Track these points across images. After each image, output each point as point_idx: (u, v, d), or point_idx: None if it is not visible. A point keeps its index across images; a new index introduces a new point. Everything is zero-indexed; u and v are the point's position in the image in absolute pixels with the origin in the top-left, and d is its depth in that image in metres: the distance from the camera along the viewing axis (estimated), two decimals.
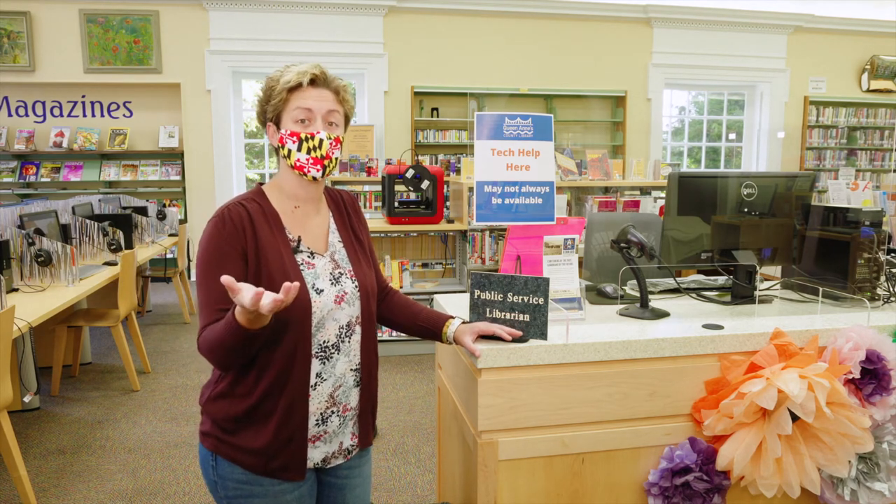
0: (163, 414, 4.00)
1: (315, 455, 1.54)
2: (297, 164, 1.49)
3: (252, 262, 1.44)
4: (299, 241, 1.52)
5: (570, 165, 5.33)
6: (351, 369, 1.55)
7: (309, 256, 1.52)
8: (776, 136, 9.62)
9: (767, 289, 2.45)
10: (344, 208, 1.67)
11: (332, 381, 1.52)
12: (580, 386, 1.80)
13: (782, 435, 1.76)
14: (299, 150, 1.48)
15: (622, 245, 2.11)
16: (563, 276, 1.99)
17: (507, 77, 8.72)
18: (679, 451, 1.82)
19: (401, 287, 5.04)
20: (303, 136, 1.48)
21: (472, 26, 8.57)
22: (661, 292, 2.43)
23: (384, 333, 5.07)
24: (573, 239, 2.00)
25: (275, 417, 1.45)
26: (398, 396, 4.26)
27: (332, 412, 1.53)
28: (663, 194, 5.49)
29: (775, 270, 2.72)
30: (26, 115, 8.08)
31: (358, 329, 1.57)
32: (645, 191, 5.46)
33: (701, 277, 2.77)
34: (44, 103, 8.09)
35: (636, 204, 5.22)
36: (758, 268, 2.28)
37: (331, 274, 1.53)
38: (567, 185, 5.21)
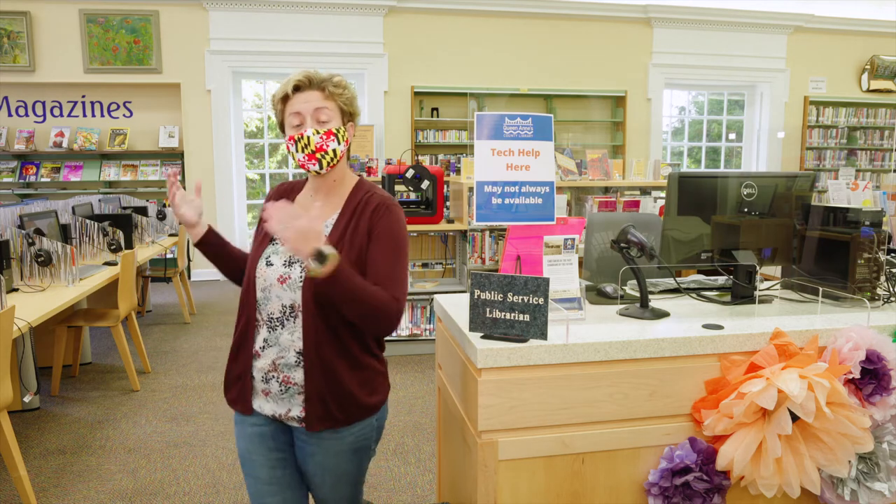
0: (163, 414, 4.00)
1: (265, 407, 1.74)
2: (300, 162, 1.68)
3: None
4: None
5: (570, 165, 5.33)
6: (294, 350, 1.66)
7: None
8: (776, 136, 9.62)
9: (767, 289, 2.45)
10: (362, 212, 1.68)
11: (276, 350, 1.68)
12: (580, 386, 1.80)
13: (782, 435, 1.76)
14: (297, 151, 1.67)
15: (622, 245, 2.11)
16: (563, 276, 1.99)
17: (507, 77, 8.72)
18: (679, 451, 1.82)
19: None
20: (296, 137, 1.66)
21: (473, 26, 8.57)
22: (661, 292, 2.43)
23: None
24: (573, 239, 2.00)
25: (231, 357, 1.78)
26: (398, 396, 4.26)
27: (273, 377, 1.69)
28: (663, 194, 5.49)
29: (775, 270, 2.73)
30: (26, 115, 8.08)
31: (300, 316, 1.64)
32: (645, 191, 5.46)
33: (701, 277, 2.77)
34: (44, 103, 8.09)
35: (636, 204, 5.22)
36: (758, 268, 2.29)
37: (290, 257, 1.68)
38: (567, 185, 5.21)
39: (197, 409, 4.08)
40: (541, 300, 1.72)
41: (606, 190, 5.55)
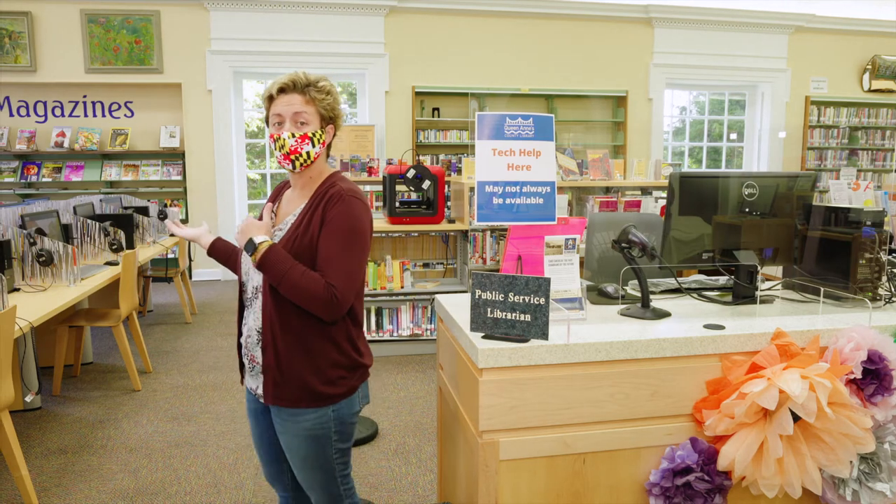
0: (164, 414, 4.00)
1: (250, 383, 1.92)
2: (278, 160, 1.82)
3: None
4: (274, 213, 1.92)
5: (571, 165, 5.32)
6: (256, 329, 1.83)
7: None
8: (777, 136, 9.62)
9: (769, 289, 2.45)
10: (319, 203, 1.79)
11: (246, 329, 1.88)
12: (581, 386, 1.80)
13: (784, 435, 1.76)
14: (275, 149, 1.80)
15: (623, 245, 2.11)
16: (565, 276, 1.99)
17: (508, 77, 8.72)
18: (680, 452, 1.82)
19: (402, 287, 5.04)
20: (275, 137, 1.79)
21: (473, 26, 8.57)
22: (662, 292, 2.43)
23: (384, 333, 5.08)
24: (574, 239, 2.00)
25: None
26: (399, 397, 4.26)
27: (246, 354, 1.89)
28: (664, 194, 5.49)
29: (776, 270, 2.73)
30: (28, 115, 8.09)
31: (260, 297, 1.82)
32: (646, 191, 5.46)
33: (702, 277, 2.76)
34: (45, 103, 8.10)
35: (637, 204, 5.22)
36: (759, 268, 2.28)
37: None
38: (568, 185, 5.21)
39: (198, 408, 4.08)
40: (542, 300, 1.71)
41: (607, 190, 5.55)
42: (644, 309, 2.06)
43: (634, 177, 5.86)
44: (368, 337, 5.04)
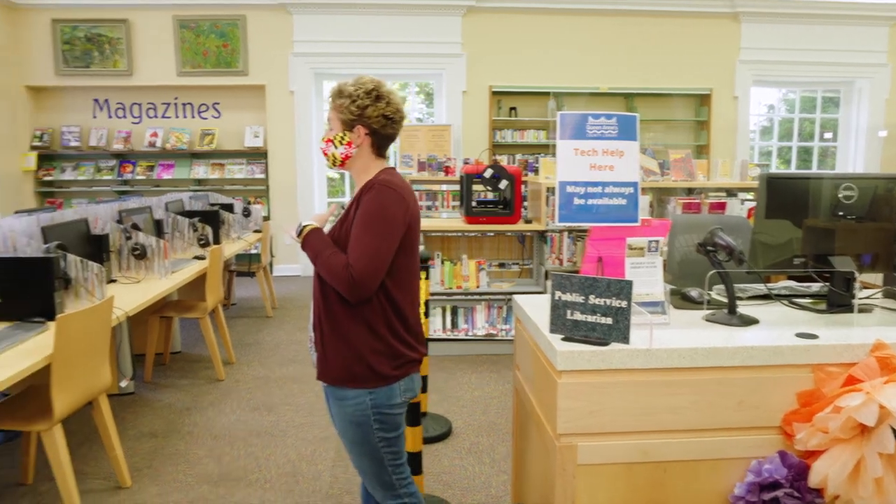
0: (246, 403, 4.15)
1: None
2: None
3: None
4: (342, 208, 2.05)
5: (651, 166, 5.19)
6: (313, 311, 1.98)
7: None
8: (877, 134, 9.08)
9: (867, 297, 2.32)
10: (361, 195, 1.91)
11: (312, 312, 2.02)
12: (663, 392, 1.75)
13: (883, 454, 1.66)
14: None
15: (709, 248, 2.05)
16: (647, 279, 1.95)
17: (587, 76, 8.58)
18: (768, 465, 1.75)
19: (477, 286, 5.04)
20: None
21: (552, 25, 8.48)
22: (749, 298, 2.34)
23: (459, 333, 5.09)
24: (657, 241, 1.95)
25: None
26: (473, 396, 4.27)
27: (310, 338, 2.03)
28: (750, 196, 5.28)
29: (875, 278, 2.58)
30: (124, 116, 8.54)
31: (316, 281, 1.96)
32: (731, 192, 5.26)
33: (792, 284, 2.64)
34: (140, 105, 8.53)
35: (722, 206, 5.04)
36: (856, 275, 2.17)
37: None
38: (649, 185, 5.09)
39: (278, 399, 4.21)
40: (623, 303, 1.68)
41: (690, 191, 5.39)
42: (730, 315, 1.99)
43: (719, 178, 5.66)
44: (443, 335, 5.07)
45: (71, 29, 8.13)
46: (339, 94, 1.94)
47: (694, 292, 2.24)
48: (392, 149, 8.76)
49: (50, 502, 2.97)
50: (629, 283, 1.68)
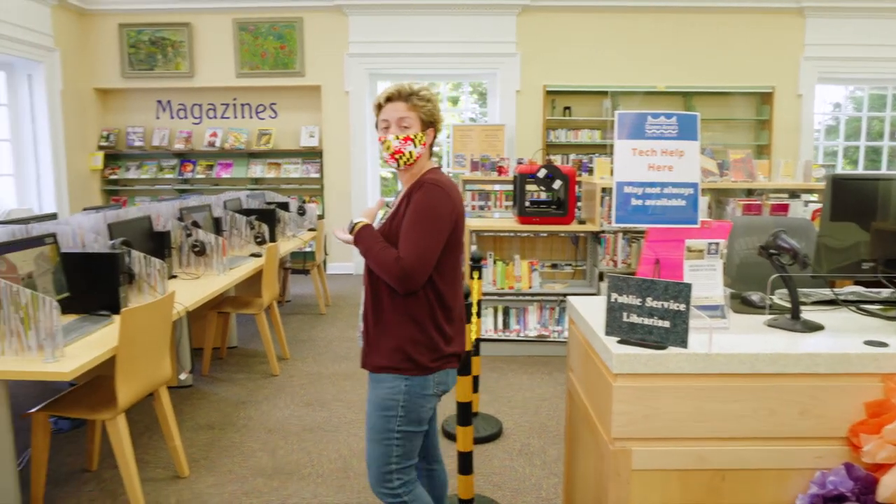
0: (299, 399, 4.22)
1: None
2: (385, 159, 2.06)
3: None
4: (388, 206, 2.19)
5: (710, 166, 5.07)
6: (363, 304, 2.09)
7: None
8: None
9: None
10: (411, 193, 2.01)
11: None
12: (722, 399, 1.71)
13: None
14: (383, 150, 2.05)
15: (772, 252, 1.98)
16: (706, 282, 1.90)
17: (643, 74, 8.44)
18: (833, 477, 1.69)
19: (530, 287, 5.01)
20: (382, 140, 2.04)
21: (607, 23, 8.37)
22: (813, 303, 2.25)
23: (511, 333, 5.07)
24: (718, 244, 1.90)
25: None
26: (524, 397, 4.24)
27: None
28: (814, 198, 5.10)
29: None
30: (185, 117, 8.79)
31: (366, 274, 2.07)
32: (794, 194, 5.09)
33: (860, 289, 2.54)
34: (200, 106, 8.77)
35: (784, 208, 4.88)
36: None
37: None
38: (707, 186, 4.97)
39: (331, 396, 4.27)
40: (682, 306, 1.64)
41: (750, 192, 5.24)
42: (794, 320, 1.93)
43: (781, 178, 5.48)
44: (494, 336, 5.05)
45: (136, 33, 8.42)
46: (417, 94, 2.02)
47: (755, 296, 2.17)
48: (445, 148, 8.80)
49: (113, 489, 3.08)
50: (688, 286, 1.64)
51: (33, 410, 2.83)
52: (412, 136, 2.01)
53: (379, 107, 2.06)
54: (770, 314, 2.07)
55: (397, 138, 2.00)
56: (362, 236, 2.01)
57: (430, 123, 2.06)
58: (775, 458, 1.74)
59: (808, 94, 8.54)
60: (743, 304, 2.19)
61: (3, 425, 2.56)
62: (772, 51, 8.43)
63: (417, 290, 1.95)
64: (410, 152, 2.01)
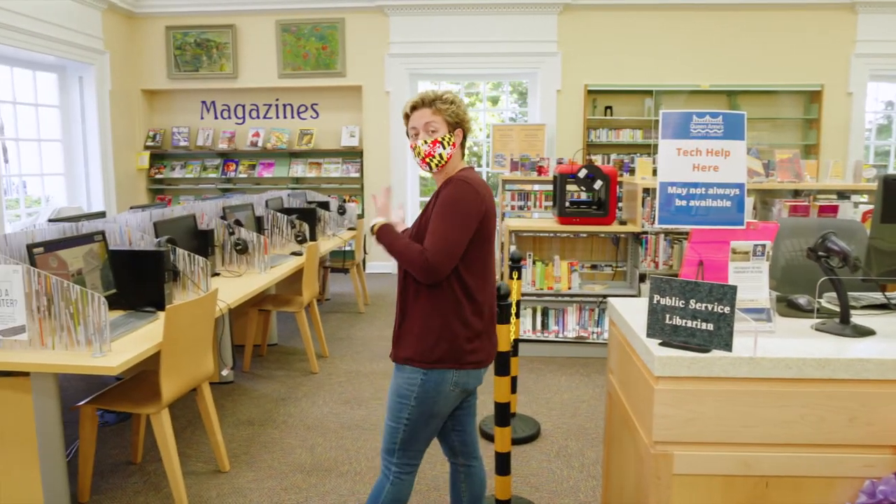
0: (338, 397, 4.26)
1: None
2: (419, 164, 2.15)
3: None
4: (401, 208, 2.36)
5: (755, 166, 4.96)
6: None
7: None
8: None
9: None
10: (438, 191, 2.10)
11: None
12: (768, 404, 1.67)
13: None
14: (414, 156, 2.16)
15: (821, 254, 1.93)
16: (751, 284, 1.86)
17: (686, 73, 8.30)
18: (883, 487, 1.63)
19: (569, 288, 4.97)
20: (412, 147, 2.14)
21: (649, 21, 8.25)
22: (863, 308, 2.19)
23: (550, 334, 5.04)
24: (764, 245, 1.85)
25: None
26: (562, 399, 4.21)
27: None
28: (864, 199, 4.95)
29: None
30: (229, 117, 8.96)
31: (399, 273, 2.17)
32: (843, 195, 4.95)
33: None
34: (243, 106, 8.92)
35: (833, 209, 4.75)
36: None
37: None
38: (752, 187, 4.86)
39: (369, 394, 4.30)
40: (726, 309, 1.61)
41: (797, 193, 5.11)
42: (843, 325, 1.87)
43: (830, 179, 5.34)
44: (532, 336, 5.03)
45: (182, 35, 8.61)
46: (440, 99, 2.11)
47: (802, 300, 2.12)
48: (484, 147, 8.77)
49: (156, 482, 3.16)
50: (733, 289, 1.60)
51: (81, 403, 2.91)
52: (440, 139, 2.10)
53: (406, 116, 2.16)
54: (818, 318, 2.01)
55: (426, 143, 2.10)
56: (381, 235, 2.12)
57: (457, 124, 2.13)
58: (823, 465, 1.69)
59: (858, 91, 8.30)
60: (789, 307, 2.13)
61: (53, 417, 2.64)
62: (821, 48, 8.21)
63: (441, 280, 2.02)
64: (440, 154, 2.10)
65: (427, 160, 2.11)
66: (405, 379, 2.10)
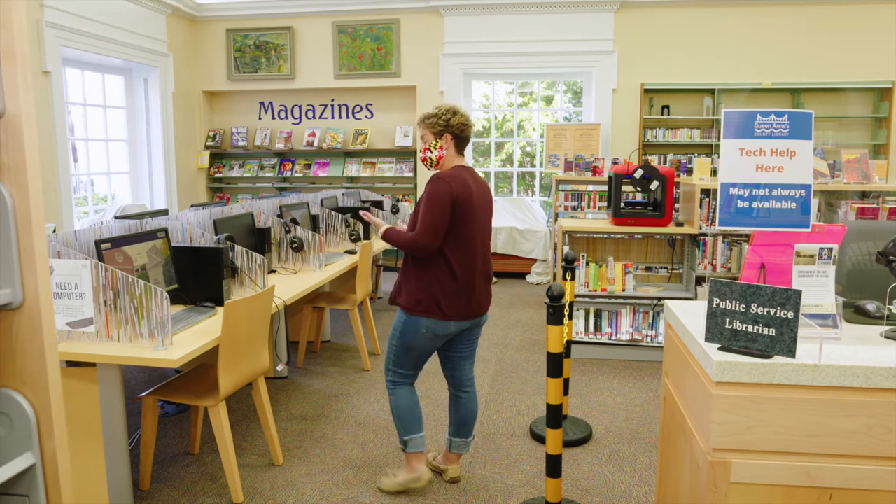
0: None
1: None
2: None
3: None
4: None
5: (821, 167, 4.79)
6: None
7: None
8: None
9: None
10: (425, 188, 2.83)
11: None
12: (833, 413, 1.61)
13: None
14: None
15: (891, 259, 1.85)
16: (816, 289, 1.79)
17: (748, 71, 8.07)
18: None
19: (623, 290, 4.90)
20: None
21: (709, 18, 8.05)
22: None
23: (602, 336, 4.97)
24: (831, 249, 1.79)
25: None
26: (615, 402, 4.15)
27: None
28: None
29: None
30: (286, 117, 9.14)
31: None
32: None
33: None
34: (300, 107, 9.09)
35: None
36: None
37: None
38: (817, 188, 4.70)
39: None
40: (790, 314, 1.56)
41: (864, 195, 4.91)
42: None
43: None
44: (585, 338, 4.97)
45: (242, 38, 8.82)
46: (426, 116, 2.89)
47: (870, 306, 2.03)
48: (538, 147, 8.71)
49: (213, 472, 3.24)
50: (797, 293, 1.55)
51: (143, 395, 3.01)
52: (428, 146, 2.90)
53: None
54: (888, 325, 1.93)
55: (421, 150, 2.93)
56: (386, 235, 2.92)
57: (441, 132, 2.85)
58: (891, 479, 1.62)
59: None
60: (857, 313, 2.05)
61: (117, 407, 2.74)
62: (891, 43, 7.86)
63: (431, 254, 2.76)
64: (430, 157, 2.90)
65: (424, 162, 2.93)
66: (398, 318, 2.91)
